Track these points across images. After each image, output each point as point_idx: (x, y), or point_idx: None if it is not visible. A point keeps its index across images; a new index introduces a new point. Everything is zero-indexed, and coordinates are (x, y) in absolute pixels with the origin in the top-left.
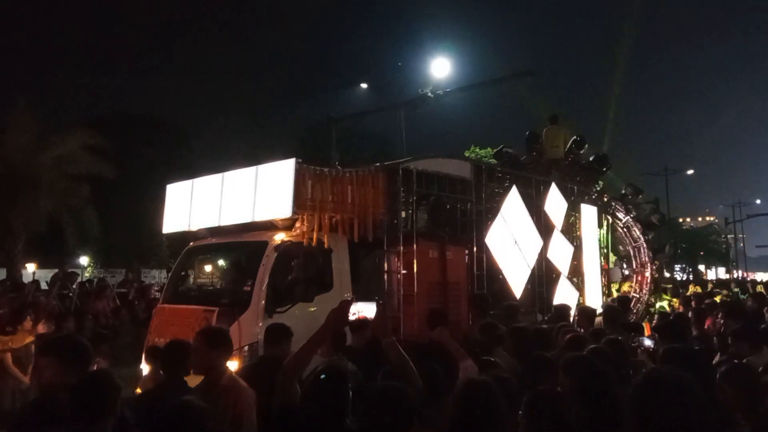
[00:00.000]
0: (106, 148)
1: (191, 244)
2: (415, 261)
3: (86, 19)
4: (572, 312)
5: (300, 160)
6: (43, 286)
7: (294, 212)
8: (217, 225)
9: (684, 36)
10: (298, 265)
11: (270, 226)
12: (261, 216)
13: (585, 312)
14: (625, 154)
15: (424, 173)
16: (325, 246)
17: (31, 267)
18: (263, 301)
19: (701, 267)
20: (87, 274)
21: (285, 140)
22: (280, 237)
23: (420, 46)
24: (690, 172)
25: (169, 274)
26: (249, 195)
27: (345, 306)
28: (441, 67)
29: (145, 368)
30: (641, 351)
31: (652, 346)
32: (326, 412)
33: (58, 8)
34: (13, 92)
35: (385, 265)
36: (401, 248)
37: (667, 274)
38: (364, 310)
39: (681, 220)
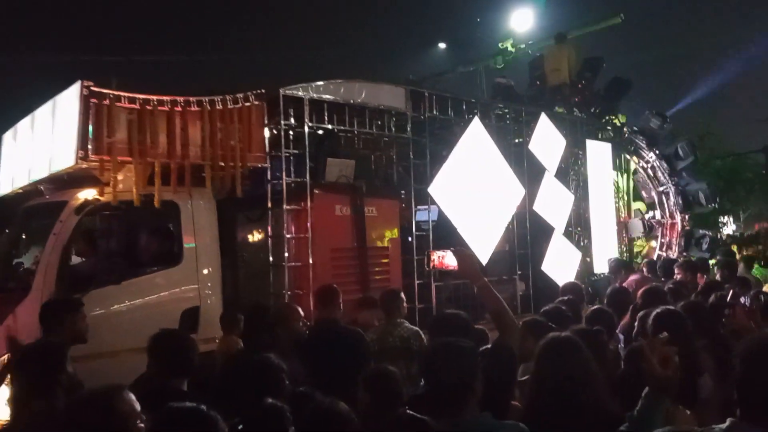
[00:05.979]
0: None
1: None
2: (309, 221)
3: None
4: None
5: (90, 84)
6: None
7: (80, 159)
8: (27, 182)
9: None
10: (110, 233)
11: (92, 180)
12: (54, 167)
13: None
14: (731, 101)
15: (324, 103)
16: (169, 205)
17: None
18: (52, 285)
19: None
20: None
21: None
22: (85, 195)
23: None
24: None
25: None
26: (48, 138)
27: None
28: (523, 19)
29: None
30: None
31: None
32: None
33: None
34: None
35: (269, 228)
36: (288, 205)
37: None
38: (446, 258)
39: None
